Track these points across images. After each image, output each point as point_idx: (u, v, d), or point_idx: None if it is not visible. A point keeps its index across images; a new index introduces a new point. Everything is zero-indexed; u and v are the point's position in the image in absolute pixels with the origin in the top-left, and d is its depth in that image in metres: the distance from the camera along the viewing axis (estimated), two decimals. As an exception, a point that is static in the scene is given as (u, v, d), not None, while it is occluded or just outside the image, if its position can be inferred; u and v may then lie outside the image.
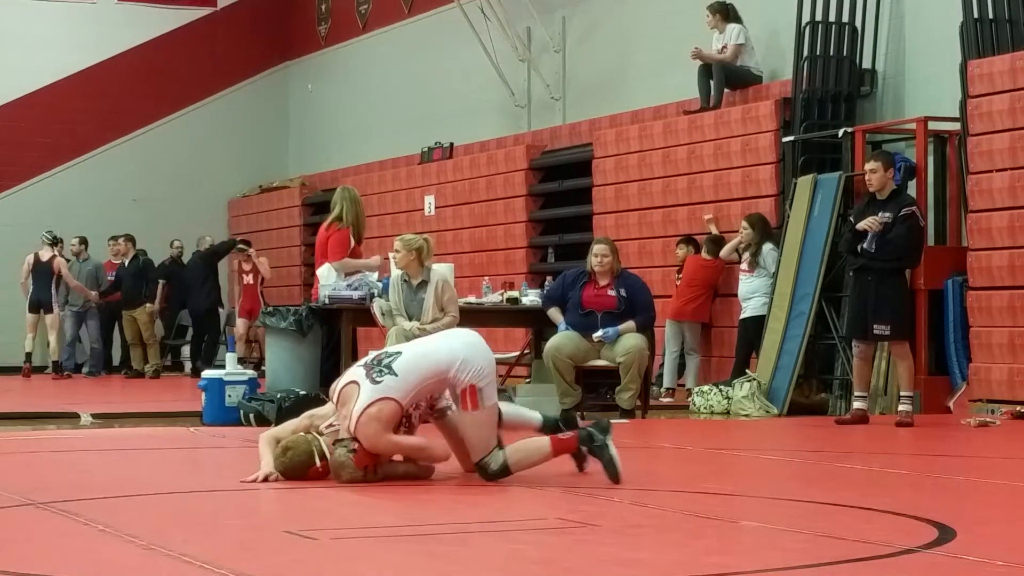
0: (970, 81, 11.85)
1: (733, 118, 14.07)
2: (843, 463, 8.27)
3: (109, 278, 20.24)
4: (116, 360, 20.69)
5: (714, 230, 13.88)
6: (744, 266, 13.30)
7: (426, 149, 19.30)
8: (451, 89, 19.64)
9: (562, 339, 11.34)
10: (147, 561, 4.68)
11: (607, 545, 5.00)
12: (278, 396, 10.77)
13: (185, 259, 20.72)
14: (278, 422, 10.20)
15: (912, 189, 12.18)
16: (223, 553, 4.77)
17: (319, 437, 6.75)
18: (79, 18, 23.09)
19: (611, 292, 11.39)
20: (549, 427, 7.23)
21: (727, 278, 13.88)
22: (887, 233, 10.55)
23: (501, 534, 5.33)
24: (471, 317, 12.07)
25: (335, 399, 6.76)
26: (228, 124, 23.75)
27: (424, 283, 10.97)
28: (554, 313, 11.57)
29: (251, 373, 11.55)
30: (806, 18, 13.57)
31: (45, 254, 19.66)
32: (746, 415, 12.08)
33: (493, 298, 12.53)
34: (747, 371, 12.74)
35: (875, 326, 10.57)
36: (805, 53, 13.56)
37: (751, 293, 13.26)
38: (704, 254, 13.89)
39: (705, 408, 12.43)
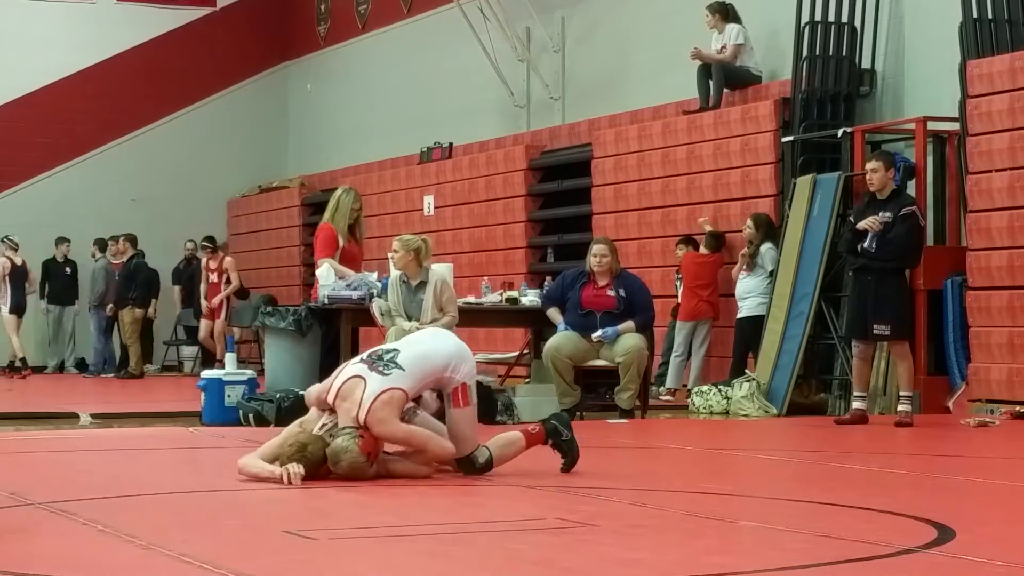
0: (969, 81, 11.85)
1: (732, 118, 14.07)
2: (842, 463, 8.27)
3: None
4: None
5: (707, 228, 13.87)
6: (741, 265, 13.29)
7: (425, 149, 19.30)
8: (450, 89, 19.64)
9: (561, 339, 11.34)
10: (146, 561, 4.68)
11: (606, 545, 5.00)
12: (277, 396, 10.77)
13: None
14: (277, 422, 10.24)
15: (911, 189, 12.19)
16: (223, 553, 4.77)
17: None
18: (79, 18, 23.08)
19: (610, 292, 11.39)
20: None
21: (725, 277, 13.88)
22: (887, 233, 10.56)
23: (500, 534, 5.33)
24: (470, 317, 12.09)
25: (332, 396, 6.78)
26: (228, 124, 23.75)
27: (423, 283, 10.97)
28: (553, 313, 11.57)
29: (250, 373, 11.55)
30: (805, 18, 13.58)
31: (18, 258, 19.96)
32: (745, 415, 12.08)
33: (492, 298, 12.53)
34: (746, 371, 12.74)
35: (875, 326, 10.57)
36: (804, 53, 13.57)
37: (747, 293, 13.25)
38: (703, 248, 13.87)
39: (704, 408, 12.43)
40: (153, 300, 20.32)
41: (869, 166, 10.87)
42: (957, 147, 12.38)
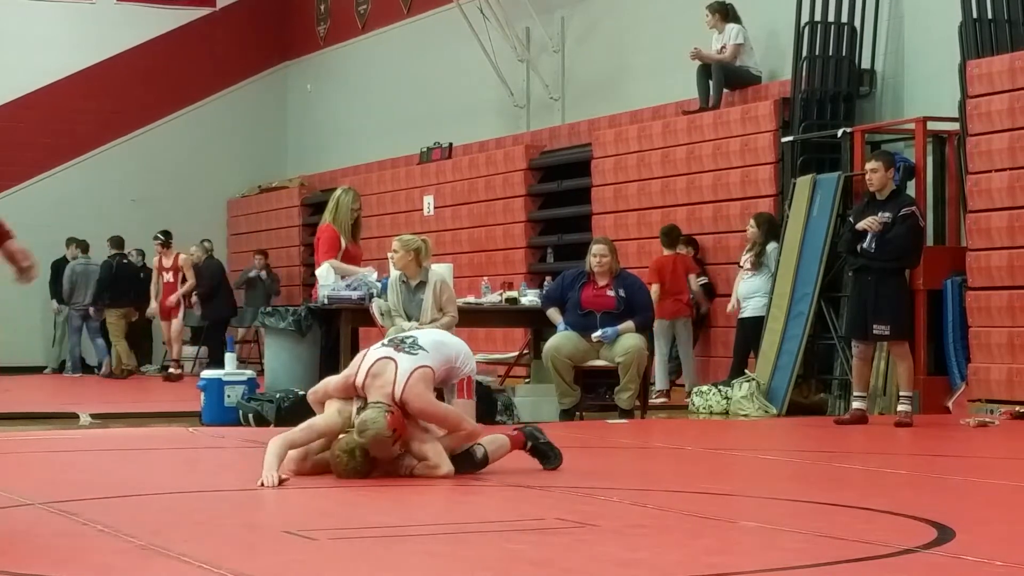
0: (969, 81, 11.85)
1: (732, 118, 14.07)
2: (842, 463, 8.27)
3: None
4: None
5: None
6: (746, 265, 13.28)
7: (425, 149, 19.30)
8: (450, 89, 19.64)
9: (561, 339, 11.34)
10: (146, 561, 4.69)
11: (606, 545, 5.00)
12: (277, 396, 10.77)
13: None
14: (277, 423, 10.25)
15: (911, 189, 12.18)
16: (223, 553, 4.77)
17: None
18: (78, 18, 23.08)
19: (610, 292, 11.39)
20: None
21: (727, 278, 13.88)
22: (887, 233, 10.56)
23: (500, 534, 5.34)
24: (470, 317, 12.08)
25: (362, 377, 6.84)
26: (227, 124, 23.74)
27: (423, 283, 10.97)
28: (553, 313, 11.57)
29: (250, 373, 11.56)
30: (805, 18, 13.58)
31: None
32: (745, 415, 12.08)
33: (492, 298, 12.53)
34: (746, 371, 12.74)
35: (875, 326, 10.57)
36: (804, 53, 13.56)
37: (752, 293, 13.23)
38: (679, 249, 13.82)
39: (704, 408, 12.43)
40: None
41: (869, 166, 10.86)
42: (957, 147, 12.38)
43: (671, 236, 13.88)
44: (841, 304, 12.42)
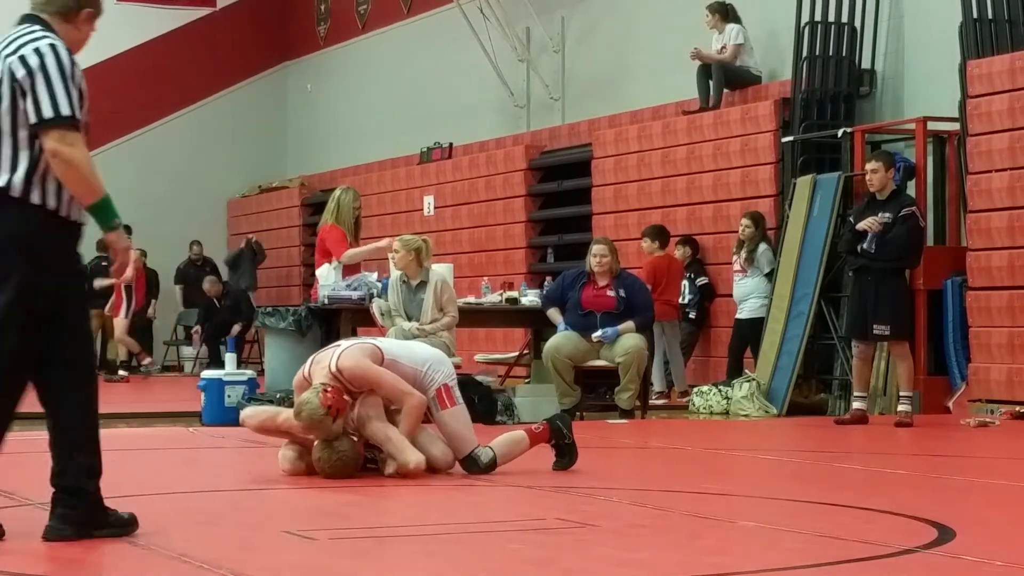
0: (969, 81, 11.84)
1: (732, 118, 14.07)
2: (842, 463, 8.27)
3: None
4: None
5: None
6: (737, 266, 13.27)
7: (425, 149, 19.30)
8: (450, 89, 19.64)
9: (561, 339, 11.34)
10: (147, 561, 4.69)
11: (606, 545, 5.01)
12: (277, 396, 10.76)
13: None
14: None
15: (911, 189, 12.18)
16: (223, 553, 4.77)
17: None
18: (80, 18, 23.05)
19: (610, 292, 11.39)
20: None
21: (727, 278, 13.87)
22: (887, 233, 10.55)
23: (500, 534, 5.34)
24: (470, 317, 12.09)
25: (308, 366, 6.99)
26: (227, 124, 23.74)
27: (423, 284, 10.97)
28: (553, 313, 11.57)
29: (250, 373, 11.56)
30: (805, 18, 13.57)
31: None
32: (745, 415, 12.08)
33: (492, 298, 12.53)
34: (745, 371, 12.73)
35: (875, 326, 10.57)
36: (804, 53, 13.56)
37: (747, 294, 13.22)
38: (677, 250, 13.81)
39: (704, 408, 12.43)
40: (152, 300, 20.28)
41: (869, 166, 10.86)
42: (957, 147, 12.38)
43: (663, 237, 13.80)
44: (841, 304, 12.41)
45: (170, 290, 21.54)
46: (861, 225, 10.61)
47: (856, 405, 10.81)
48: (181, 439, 9.80)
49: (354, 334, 11.85)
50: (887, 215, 10.57)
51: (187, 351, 21.11)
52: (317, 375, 6.88)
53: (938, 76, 12.71)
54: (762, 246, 13.15)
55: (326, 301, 11.63)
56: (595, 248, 11.58)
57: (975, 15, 12.14)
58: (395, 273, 11.10)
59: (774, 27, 14.55)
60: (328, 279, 11.77)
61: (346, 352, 6.90)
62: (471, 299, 12.51)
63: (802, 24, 13.56)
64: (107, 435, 10.61)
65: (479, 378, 11.43)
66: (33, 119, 4.87)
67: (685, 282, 13.87)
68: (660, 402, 13.44)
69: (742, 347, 13.25)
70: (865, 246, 10.61)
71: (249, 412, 7.38)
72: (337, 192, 12.28)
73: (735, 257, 13.30)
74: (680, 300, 13.81)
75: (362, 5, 22.01)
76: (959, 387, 11.88)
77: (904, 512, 5.69)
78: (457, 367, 8.54)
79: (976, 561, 4.66)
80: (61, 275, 4.97)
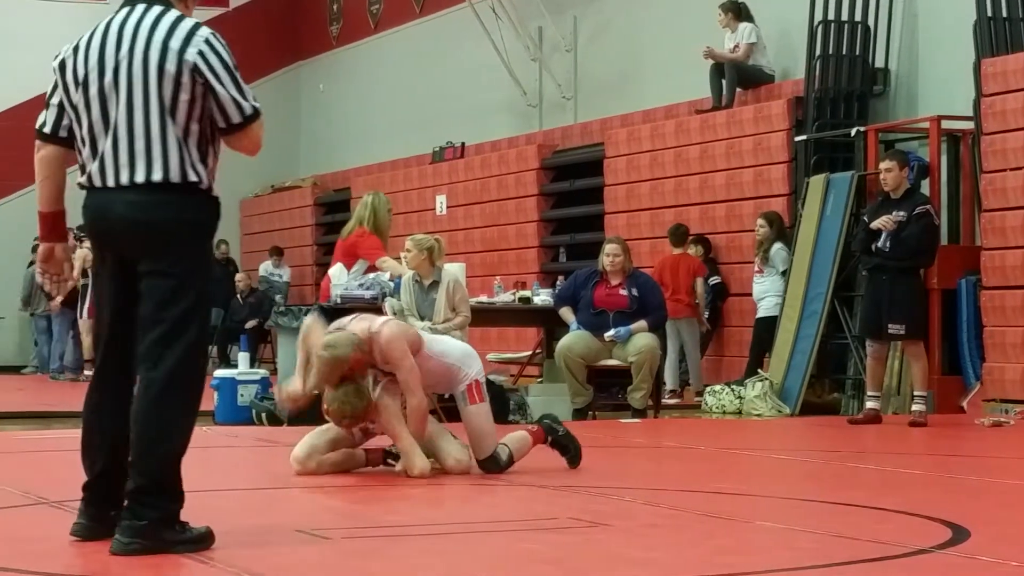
0: (984, 80, 11.81)
1: (745, 117, 14.05)
2: (856, 463, 8.25)
3: None
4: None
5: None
6: (755, 266, 13.26)
7: (438, 149, 19.30)
8: (462, 89, 19.63)
9: (574, 339, 11.33)
10: (158, 559, 4.69)
11: (619, 545, 4.99)
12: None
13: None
14: (290, 422, 10.24)
15: (925, 188, 12.15)
16: (236, 552, 4.77)
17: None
18: (88, 19, 22.81)
19: (623, 292, 11.38)
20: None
21: (740, 277, 13.85)
22: (901, 232, 10.53)
23: (513, 533, 5.33)
24: (483, 317, 12.08)
25: (347, 321, 7.04)
26: (240, 124, 23.72)
27: (436, 283, 10.96)
28: (566, 313, 11.56)
29: (263, 372, 11.56)
30: (818, 17, 13.55)
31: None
32: (758, 415, 12.06)
33: (505, 298, 12.52)
34: (759, 371, 12.71)
35: (889, 326, 10.54)
36: (817, 52, 13.53)
37: (763, 293, 13.22)
38: (688, 249, 13.79)
39: (717, 408, 12.41)
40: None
41: (883, 165, 10.84)
42: (971, 146, 12.35)
43: (677, 235, 13.85)
44: (855, 303, 12.39)
45: None
46: (875, 224, 10.59)
47: (870, 405, 10.79)
48: (194, 438, 9.77)
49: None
50: (901, 214, 10.55)
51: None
52: (355, 326, 6.88)
53: (952, 75, 12.68)
54: (776, 245, 13.12)
55: (339, 300, 11.63)
56: (608, 247, 11.56)
57: (989, 13, 12.11)
58: (407, 273, 11.09)
59: (787, 26, 14.53)
60: (340, 278, 11.75)
61: (391, 322, 7.01)
62: (483, 298, 12.50)
63: (815, 23, 13.54)
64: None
65: (492, 377, 11.42)
66: (237, 119, 5.07)
67: (699, 280, 13.83)
68: (673, 401, 13.43)
69: (759, 346, 13.22)
70: (879, 245, 10.58)
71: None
72: (369, 198, 11.99)
73: (756, 258, 13.27)
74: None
75: (374, 5, 22.02)
76: (973, 387, 11.84)
77: (918, 512, 5.68)
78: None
79: (991, 561, 4.64)
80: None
